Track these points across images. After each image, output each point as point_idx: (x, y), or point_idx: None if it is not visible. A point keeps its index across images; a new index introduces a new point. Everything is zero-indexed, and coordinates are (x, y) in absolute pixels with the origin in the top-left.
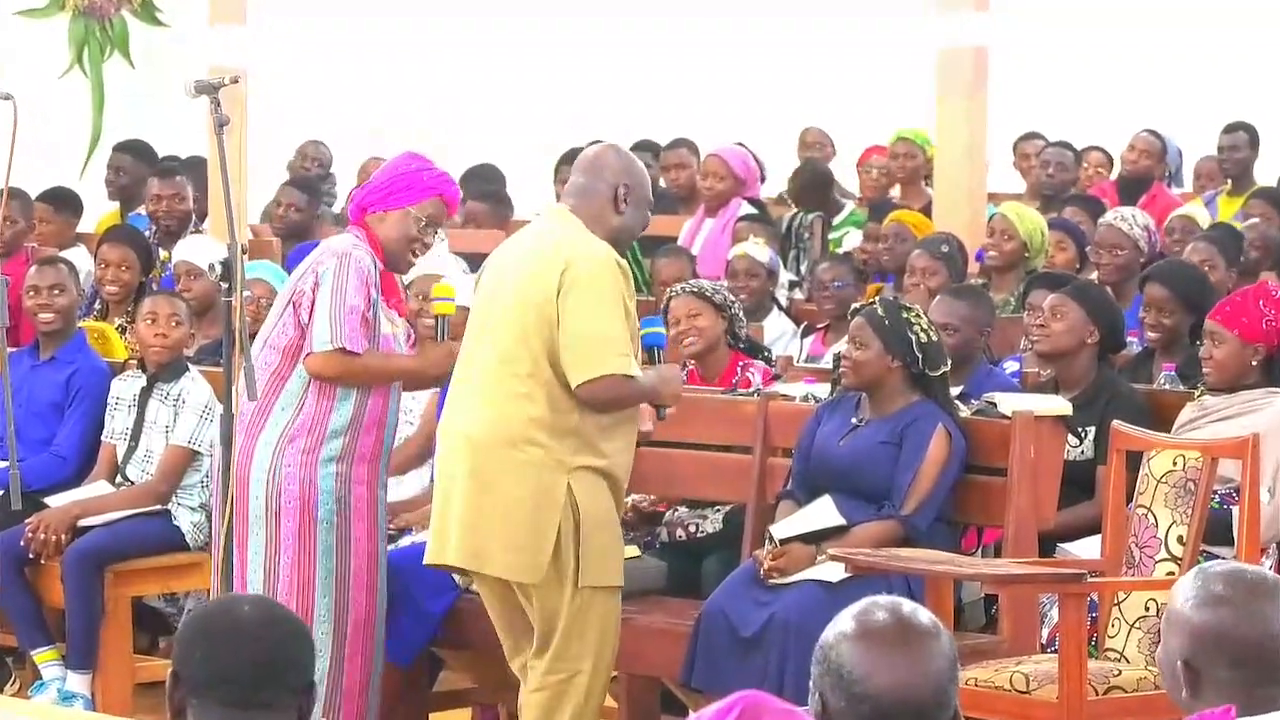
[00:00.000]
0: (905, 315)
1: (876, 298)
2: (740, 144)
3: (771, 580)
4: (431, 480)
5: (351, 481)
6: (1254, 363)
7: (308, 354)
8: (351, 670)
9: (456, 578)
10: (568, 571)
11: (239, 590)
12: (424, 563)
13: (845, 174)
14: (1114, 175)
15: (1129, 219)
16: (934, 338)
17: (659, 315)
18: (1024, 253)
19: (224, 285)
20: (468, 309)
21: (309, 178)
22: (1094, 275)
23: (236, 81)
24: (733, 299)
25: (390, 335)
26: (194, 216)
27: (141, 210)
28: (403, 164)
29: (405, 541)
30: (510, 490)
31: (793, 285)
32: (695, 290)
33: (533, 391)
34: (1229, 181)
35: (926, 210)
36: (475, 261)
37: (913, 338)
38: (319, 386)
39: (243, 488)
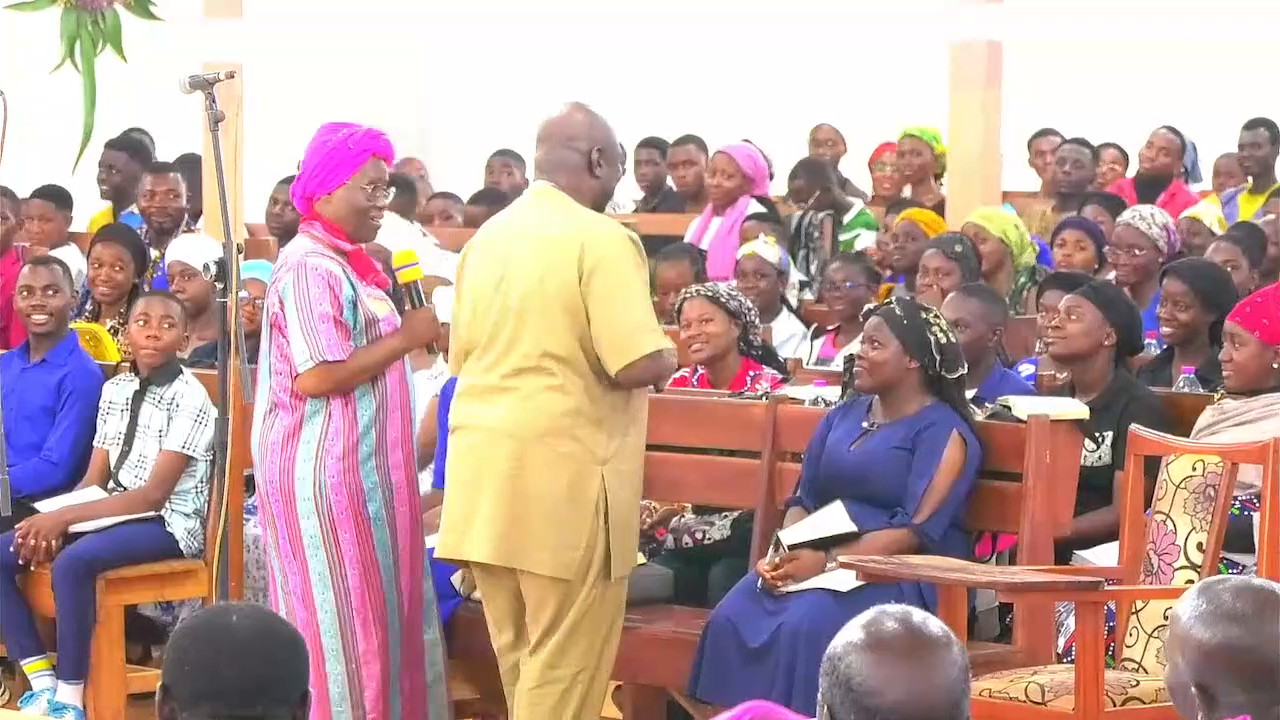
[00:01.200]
0: (924, 315)
1: (893, 298)
2: (747, 140)
3: (780, 588)
4: (434, 484)
5: (390, 469)
6: (1275, 365)
7: (295, 376)
8: (414, 651)
9: (456, 583)
10: (595, 566)
11: (271, 603)
12: (435, 557)
13: (858, 172)
14: (1130, 173)
15: (1148, 218)
16: (953, 339)
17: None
18: (1006, 251)
19: (219, 286)
20: (447, 281)
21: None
22: (1111, 275)
23: (232, 76)
24: (749, 306)
25: (384, 318)
26: (187, 215)
27: (134, 209)
28: (325, 140)
29: None
30: (546, 485)
31: (802, 285)
32: (709, 294)
33: (567, 383)
34: (1250, 179)
35: (939, 208)
36: None
37: (932, 339)
38: (329, 399)
39: (289, 513)
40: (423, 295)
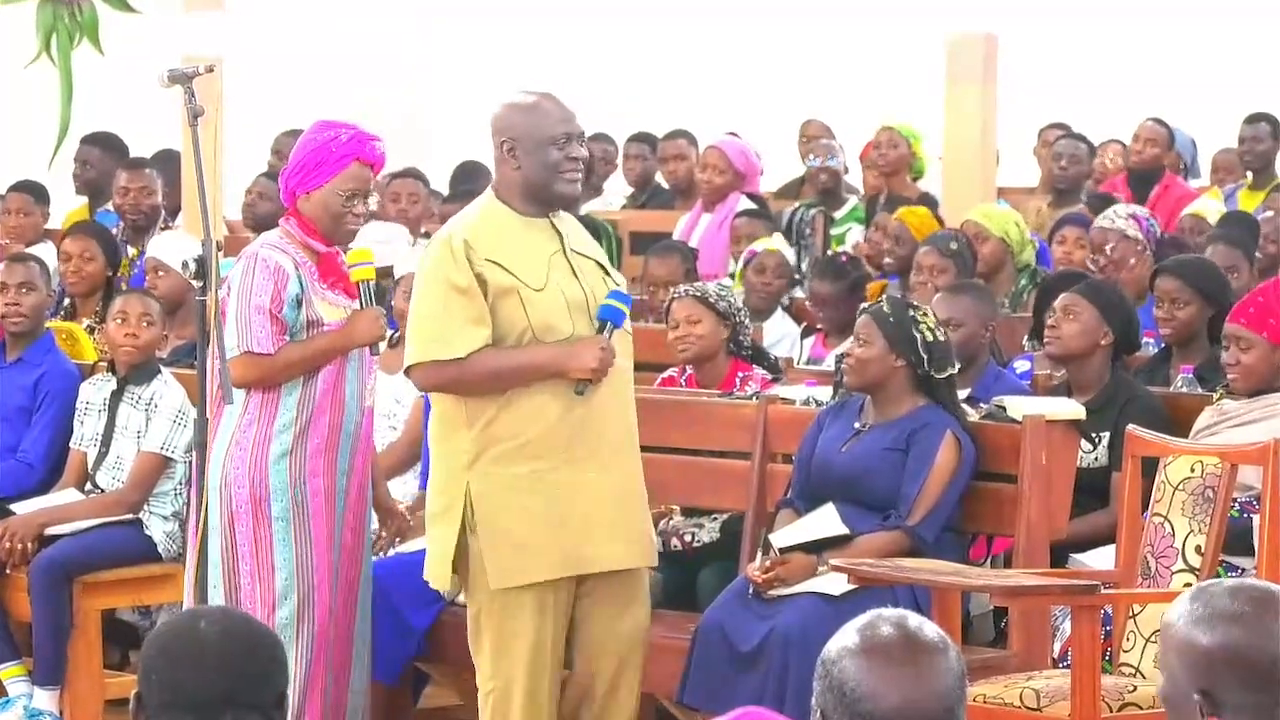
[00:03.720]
0: (912, 314)
1: (884, 296)
2: (734, 135)
3: (770, 592)
4: (420, 488)
5: (306, 475)
6: None
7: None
8: (316, 683)
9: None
10: (477, 577)
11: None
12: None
13: (851, 167)
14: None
15: (1111, 215)
16: (941, 338)
17: (628, 293)
18: (1007, 250)
19: (198, 283)
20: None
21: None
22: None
23: (212, 70)
24: (739, 306)
25: (334, 324)
26: (163, 211)
27: (109, 206)
28: (313, 137)
29: (390, 552)
30: (429, 494)
31: (795, 283)
32: (698, 295)
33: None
34: (1249, 175)
35: (921, 204)
36: None
37: (918, 336)
38: (255, 390)
39: (200, 497)
40: (373, 295)
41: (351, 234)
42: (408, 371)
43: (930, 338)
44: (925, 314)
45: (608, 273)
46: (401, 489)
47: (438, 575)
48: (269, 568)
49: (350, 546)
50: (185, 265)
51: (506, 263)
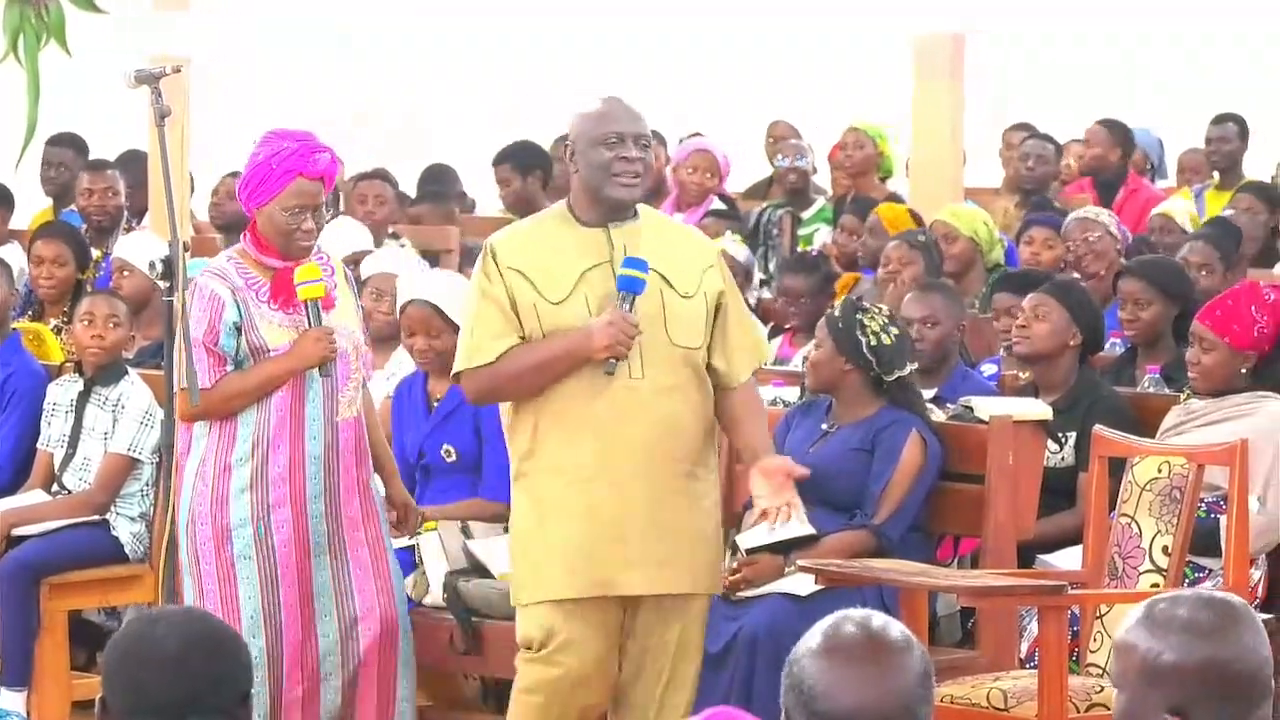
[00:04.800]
0: (859, 317)
1: (843, 298)
2: (698, 134)
3: (738, 593)
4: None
5: (271, 505)
6: (1243, 370)
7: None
8: (292, 705)
9: (408, 590)
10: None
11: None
12: None
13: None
14: None
15: (1094, 211)
16: (888, 341)
17: (643, 260)
18: (976, 249)
19: (164, 284)
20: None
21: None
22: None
23: (179, 70)
24: None
25: (279, 348)
26: (126, 212)
27: (74, 207)
28: (257, 153)
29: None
30: None
31: (761, 284)
32: None
33: None
34: (1216, 175)
35: (891, 200)
36: (431, 260)
37: (863, 340)
38: (210, 421)
39: (177, 531)
40: (320, 314)
41: (304, 249)
42: (455, 380)
43: (876, 341)
44: (874, 316)
45: (670, 284)
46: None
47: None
48: (234, 606)
49: (364, 562)
50: (151, 266)
51: (529, 272)
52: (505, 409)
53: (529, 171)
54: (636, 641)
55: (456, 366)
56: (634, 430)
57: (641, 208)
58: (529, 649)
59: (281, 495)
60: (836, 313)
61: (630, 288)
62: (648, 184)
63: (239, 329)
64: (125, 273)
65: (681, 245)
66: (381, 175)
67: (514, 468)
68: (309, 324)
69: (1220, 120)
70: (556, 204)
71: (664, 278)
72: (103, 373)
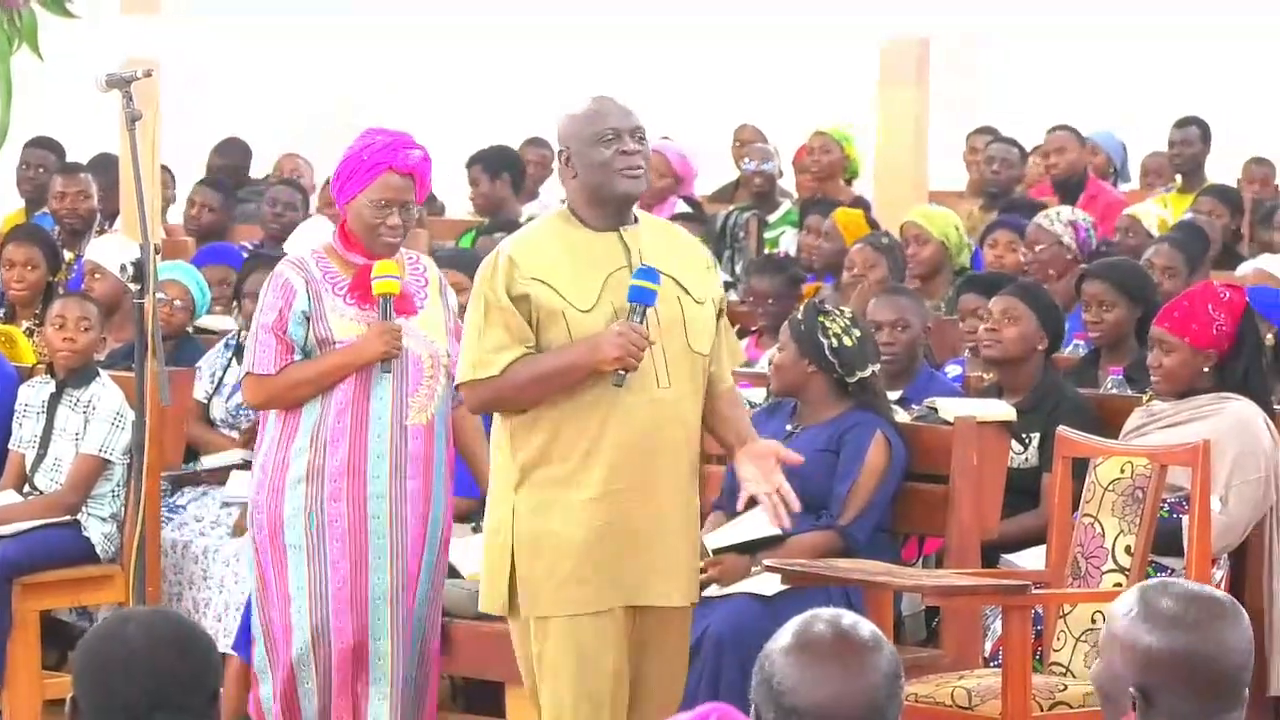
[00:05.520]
0: (821, 320)
1: (808, 301)
2: (666, 138)
3: (704, 593)
4: None
5: (326, 499)
6: (1205, 369)
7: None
8: (342, 709)
9: None
10: (519, 603)
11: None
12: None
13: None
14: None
15: (1052, 215)
16: (850, 343)
17: (655, 271)
18: (945, 253)
19: (136, 286)
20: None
21: (222, 178)
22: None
23: (150, 74)
24: None
25: (346, 340)
26: (99, 215)
27: (46, 209)
28: (351, 148)
29: None
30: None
31: (727, 286)
32: None
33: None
34: (1178, 178)
35: (855, 206)
36: None
37: (825, 343)
38: (278, 412)
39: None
40: (390, 310)
41: (390, 246)
42: (458, 390)
43: (838, 343)
44: (835, 318)
45: (686, 290)
46: None
47: (490, 597)
48: (285, 596)
49: (414, 574)
50: (123, 268)
51: (554, 281)
52: (502, 418)
53: (498, 174)
54: (646, 653)
55: (459, 378)
56: (663, 440)
57: (637, 210)
58: (536, 664)
59: (338, 490)
60: (799, 315)
61: (642, 299)
62: (649, 178)
63: (307, 319)
64: (97, 275)
65: (684, 249)
66: None
67: (513, 476)
68: (380, 319)
69: (1182, 124)
70: (554, 211)
71: (679, 284)
72: (74, 375)
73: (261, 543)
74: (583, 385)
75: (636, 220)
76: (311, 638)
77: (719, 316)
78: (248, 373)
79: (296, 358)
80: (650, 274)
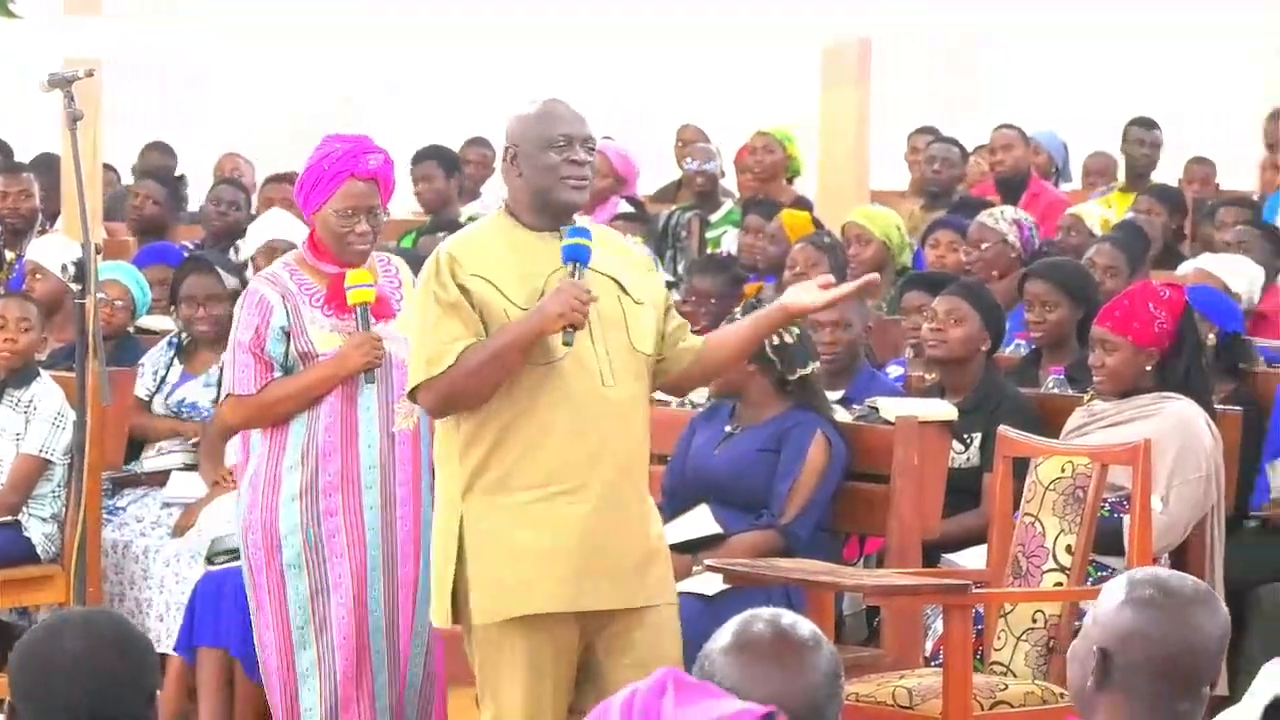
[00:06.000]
0: None
1: (748, 301)
2: (609, 138)
3: None
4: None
5: (321, 514)
6: (1148, 368)
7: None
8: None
9: None
10: (470, 610)
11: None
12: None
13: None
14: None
15: (996, 214)
16: (790, 340)
17: (585, 228)
18: (888, 253)
19: (77, 287)
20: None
21: (167, 173)
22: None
23: (91, 74)
24: None
25: (331, 352)
26: (40, 215)
27: None
28: (310, 158)
29: None
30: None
31: (670, 285)
32: None
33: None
34: (1121, 178)
35: (796, 207)
36: None
37: (765, 342)
38: (263, 430)
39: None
40: (369, 319)
41: (360, 254)
42: (411, 396)
43: (779, 340)
44: None
45: (626, 290)
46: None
47: (437, 609)
48: (284, 616)
49: (411, 579)
50: (64, 269)
51: (496, 279)
52: (451, 425)
53: (452, 173)
54: (613, 656)
55: (412, 380)
56: (609, 440)
57: (577, 215)
58: (492, 677)
59: (333, 505)
60: (738, 315)
61: (576, 256)
62: (594, 187)
63: (287, 334)
64: (38, 275)
65: (624, 252)
66: (291, 179)
67: (461, 484)
68: (358, 329)
69: (1150, 125)
70: (492, 213)
71: (619, 284)
72: (15, 375)
73: (257, 563)
74: (528, 385)
75: (576, 223)
76: (316, 655)
77: (666, 313)
78: (228, 394)
79: (277, 374)
80: (581, 232)
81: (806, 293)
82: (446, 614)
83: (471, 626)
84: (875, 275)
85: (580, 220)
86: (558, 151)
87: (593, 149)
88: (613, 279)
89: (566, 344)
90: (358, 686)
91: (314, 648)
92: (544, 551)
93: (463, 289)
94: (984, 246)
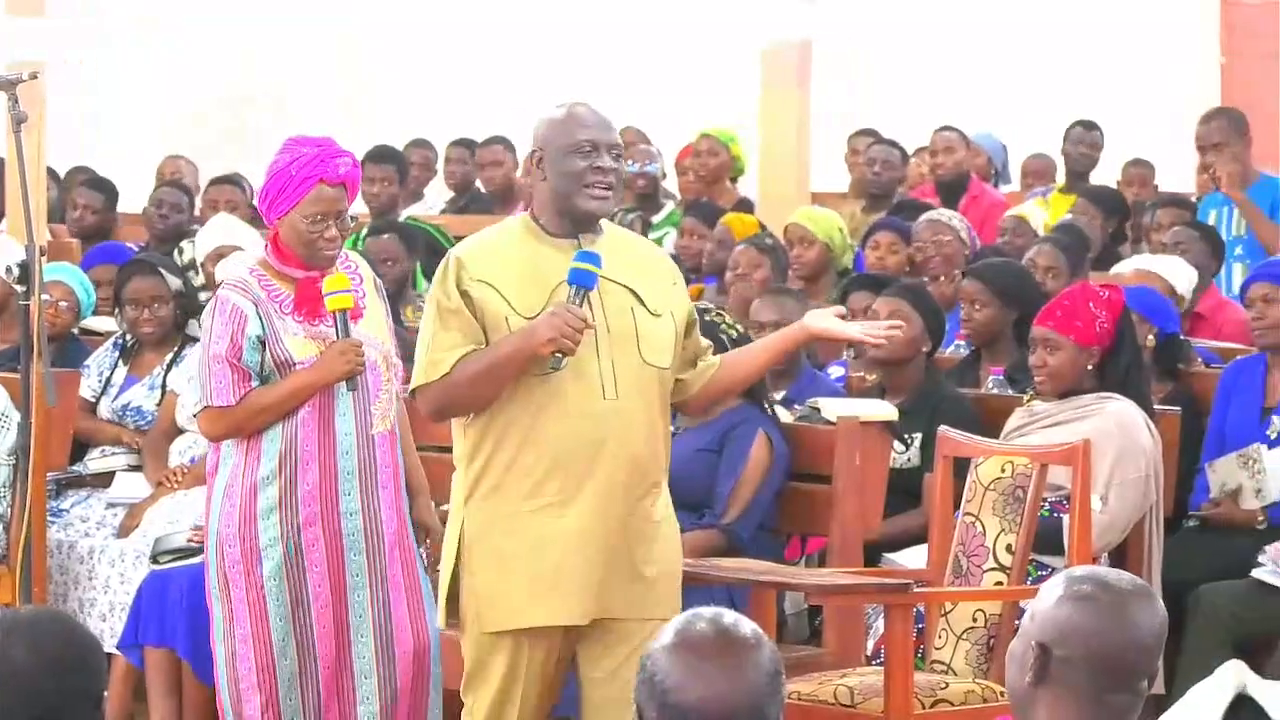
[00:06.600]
0: (709, 319)
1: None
2: None
3: None
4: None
5: (301, 524)
6: (1089, 367)
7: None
8: None
9: None
10: (469, 618)
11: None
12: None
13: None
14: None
15: (945, 216)
16: (738, 338)
17: (596, 254)
18: (829, 254)
19: (21, 288)
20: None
21: (105, 178)
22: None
23: (35, 77)
24: None
25: (305, 360)
26: None
27: None
28: (276, 161)
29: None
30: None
31: None
32: None
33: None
34: (1060, 179)
35: (738, 209)
36: None
37: (720, 341)
38: (237, 439)
39: (208, 553)
40: (348, 325)
41: (328, 259)
42: (412, 396)
43: (727, 341)
44: (719, 314)
45: (642, 302)
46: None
47: (440, 610)
48: (264, 628)
49: (399, 583)
50: (9, 270)
51: (500, 285)
52: (460, 430)
53: (405, 175)
54: (600, 666)
55: (413, 384)
56: (609, 453)
57: (604, 222)
58: (476, 677)
59: (312, 514)
60: None
61: (581, 281)
62: (620, 196)
63: (263, 343)
64: None
65: (647, 262)
66: (233, 180)
67: (465, 490)
68: (337, 335)
69: (1089, 126)
70: (517, 216)
71: (635, 295)
72: None
73: (234, 576)
74: (526, 394)
75: (602, 230)
76: (298, 666)
77: (689, 329)
78: (206, 406)
79: (254, 384)
80: (590, 257)
81: (827, 319)
82: (442, 616)
83: (465, 627)
84: (901, 324)
85: (608, 229)
86: (583, 157)
87: (619, 155)
88: (629, 289)
89: (553, 368)
90: (338, 695)
91: (295, 658)
92: (529, 564)
93: (465, 294)
94: (945, 239)
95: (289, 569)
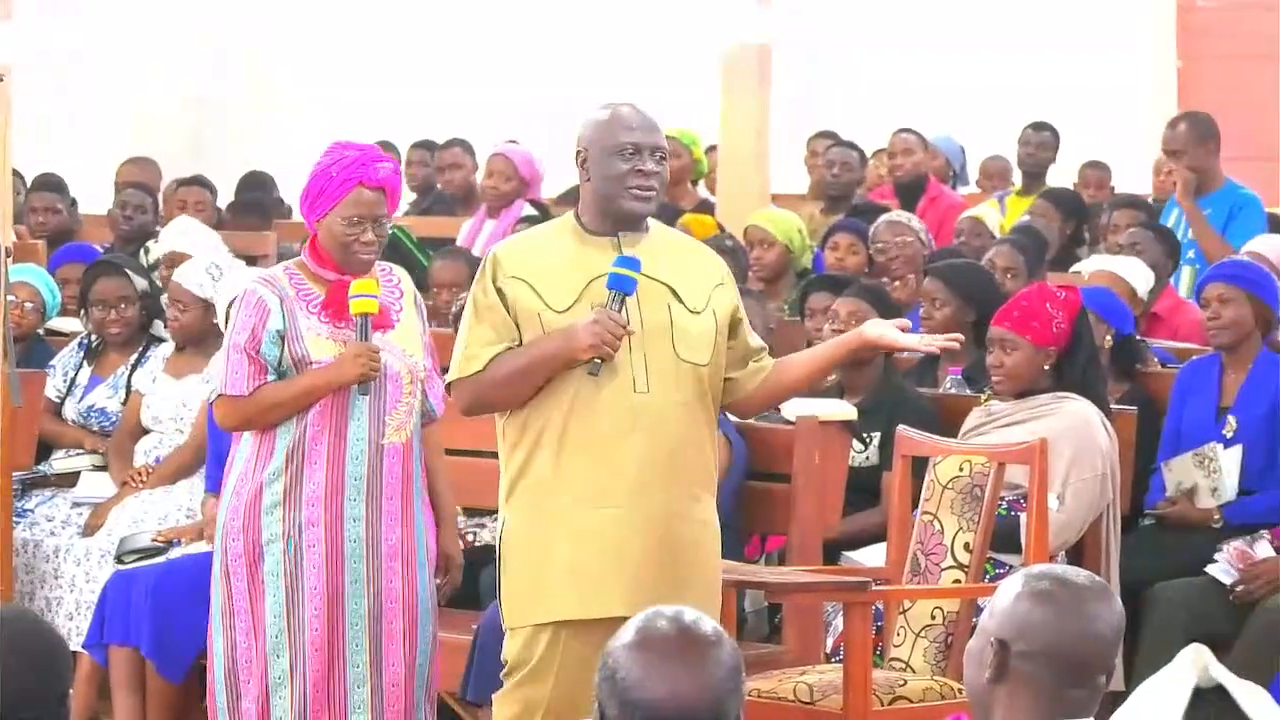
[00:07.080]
0: None
1: None
2: (513, 141)
3: None
4: (207, 491)
5: (303, 524)
6: (1046, 367)
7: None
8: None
9: None
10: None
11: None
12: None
13: None
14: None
15: (905, 218)
16: None
17: (636, 259)
18: (789, 256)
19: None
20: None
21: (57, 178)
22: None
23: (1, 79)
24: None
25: (323, 361)
26: None
27: None
28: (319, 163)
29: (176, 553)
30: None
31: None
32: None
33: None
34: (1018, 181)
35: (698, 210)
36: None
37: None
38: (253, 433)
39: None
40: (369, 330)
41: (365, 263)
42: (448, 390)
43: None
44: None
45: (680, 299)
46: (187, 494)
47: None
48: (261, 624)
49: (395, 595)
50: None
51: (535, 281)
52: (500, 429)
53: None
54: None
55: (448, 378)
56: (642, 446)
57: (651, 221)
58: (515, 672)
59: (315, 515)
60: None
61: (620, 286)
62: (662, 198)
63: (282, 338)
64: None
65: (691, 261)
66: (200, 182)
67: (506, 489)
68: (357, 338)
69: (1039, 127)
70: (564, 214)
71: (673, 291)
72: None
73: (236, 569)
74: (559, 390)
75: (648, 228)
76: (289, 664)
77: (735, 328)
78: (220, 394)
79: (270, 378)
80: (630, 262)
81: (887, 328)
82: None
83: (505, 621)
84: (959, 337)
85: (654, 227)
86: (625, 160)
87: (663, 159)
88: (667, 286)
89: (591, 374)
90: (329, 697)
91: (287, 656)
92: (567, 557)
93: (500, 291)
94: (907, 239)
95: (288, 567)
